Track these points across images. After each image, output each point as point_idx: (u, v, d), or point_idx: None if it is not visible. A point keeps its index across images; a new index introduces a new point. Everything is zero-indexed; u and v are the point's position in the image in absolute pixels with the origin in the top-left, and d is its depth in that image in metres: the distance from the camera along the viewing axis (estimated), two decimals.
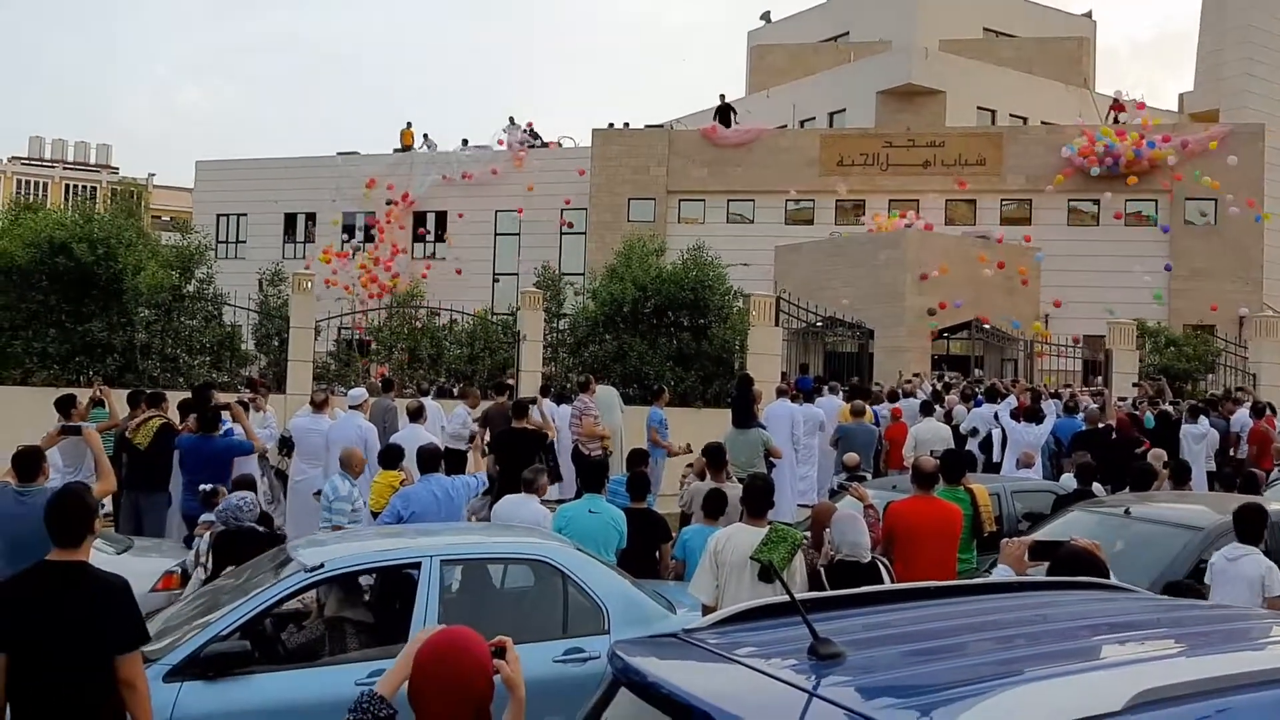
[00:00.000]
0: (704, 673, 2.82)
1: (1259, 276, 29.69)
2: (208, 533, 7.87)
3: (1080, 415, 14.58)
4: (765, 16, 45.37)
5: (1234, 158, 29.49)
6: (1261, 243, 29.92)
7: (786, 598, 3.01)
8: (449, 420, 13.75)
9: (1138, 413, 15.26)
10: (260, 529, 7.85)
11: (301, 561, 5.90)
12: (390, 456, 9.67)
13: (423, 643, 2.68)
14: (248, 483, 9.02)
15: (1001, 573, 5.21)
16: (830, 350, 24.89)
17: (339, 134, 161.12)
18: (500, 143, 36.79)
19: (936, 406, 15.65)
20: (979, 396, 16.52)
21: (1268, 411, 15.79)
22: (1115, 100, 34.53)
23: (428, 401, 13.67)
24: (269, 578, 5.99)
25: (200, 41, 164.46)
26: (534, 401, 13.28)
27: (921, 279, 25.67)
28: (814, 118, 36.26)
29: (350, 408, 11.46)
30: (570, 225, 34.60)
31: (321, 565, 5.84)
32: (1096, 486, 9.87)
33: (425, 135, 38.61)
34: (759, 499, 6.41)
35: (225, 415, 10.69)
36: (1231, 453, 15.41)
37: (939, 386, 19.06)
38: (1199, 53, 40.12)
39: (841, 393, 16.93)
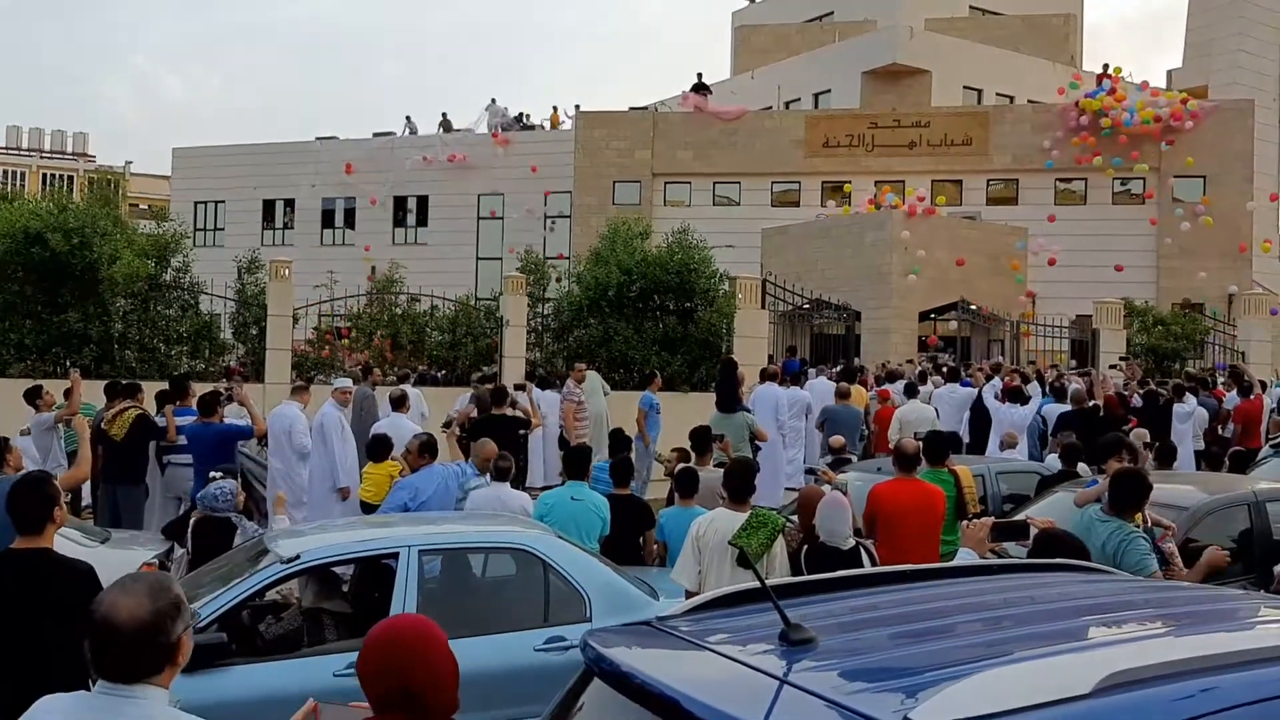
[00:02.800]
0: (676, 661, 2.80)
1: (1248, 254, 29.72)
2: (195, 518, 7.87)
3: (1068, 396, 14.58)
4: None
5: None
6: (1250, 220, 29.93)
7: (771, 582, 2.98)
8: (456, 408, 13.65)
9: (1126, 393, 15.25)
10: (236, 518, 7.79)
11: (278, 553, 5.83)
12: (379, 449, 9.57)
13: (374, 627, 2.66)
14: (230, 473, 8.94)
15: (964, 556, 5.16)
16: (818, 332, 24.87)
17: (319, 120, 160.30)
18: (496, 135, 36.47)
19: (920, 388, 15.62)
20: (966, 379, 16.51)
21: (1255, 390, 15.81)
22: (1104, 73, 34.43)
23: (409, 389, 13.58)
24: (246, 569, 5.92)
25: (179, 29, 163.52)
26: (522, 388, 13.20)
27: (915, 260, 25.63)
28: (799, 99, 36.15)
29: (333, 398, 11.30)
30: (551, 226, 34.39)
31: (298, 556, 5.78)
32: (1082, 467, 9.82)
33: (407, 117, 38.42)
34: (740, 483, 6.34)
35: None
36: (1220, 431, 15.42)
37: (928, 367, 19.02)
38: (1188, 29, 40.13)
39: (827, 374, 16.91)
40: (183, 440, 10.54)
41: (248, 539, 7.20)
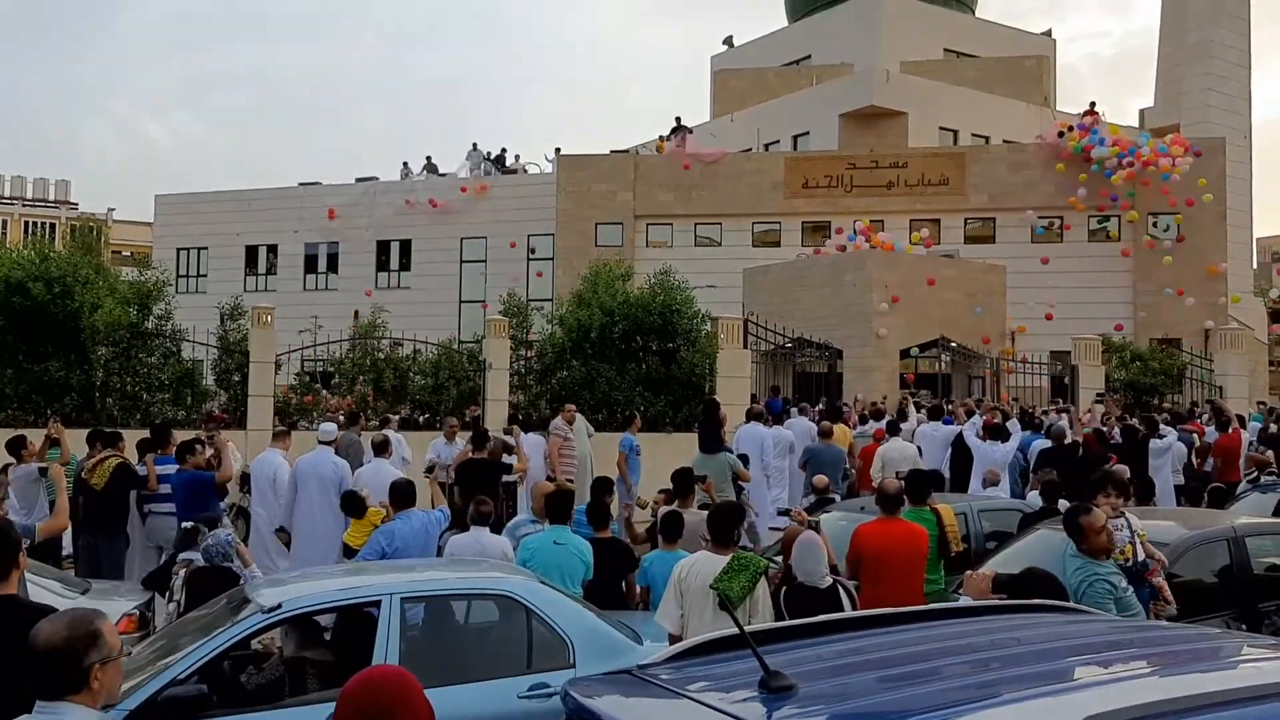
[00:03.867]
0: (656, 710, 2.80)
1: (1223, 289, 30.00)
2: (184, 570, 7.76)
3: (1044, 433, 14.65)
4: (728, 41, 45.73)
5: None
6: (1225, 255, 30.25)
7: (754, 628, 2.99)
8: (429, 451, 13.61)
9: (1105, 429, 15.33)
10: (237, 567, 7.74)
11: (259, 602, 5.78)
12: (352, 507, 9.50)
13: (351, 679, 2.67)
14: (213, 521, 8.89)
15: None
16: (800, 371, 24.92)
17: (303, 166, 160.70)
18: (483, 170, 36.73)
19: (903, 426, 15.66)
20: (948, 416, 16.56)
21: (1233, 425, 15.92)
22: (1089, 111, 34.85)
23: (390, 433, 13.54)
24: (226, 619, 5.87)
25: (162, 76, 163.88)
26: (508, 433, 13.17)
27: (893, 301, 25.74)
28: (778, 141, 36.48)
29: (321, 443, 11.23)
30: (533, 250, 34.61)
31: (279, 606, 5.74)
32: (1063, 503, 9.85)
33: (405, 163, 38.69)
34: (723, 526, 6.35)
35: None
36: (1199, 466, 15.49)
37: (913, 407, 19.04)
38: (1159, 68, 40.85)
39: (809, 415, 16.95)
40: (166, 489, 10.48)
41: None
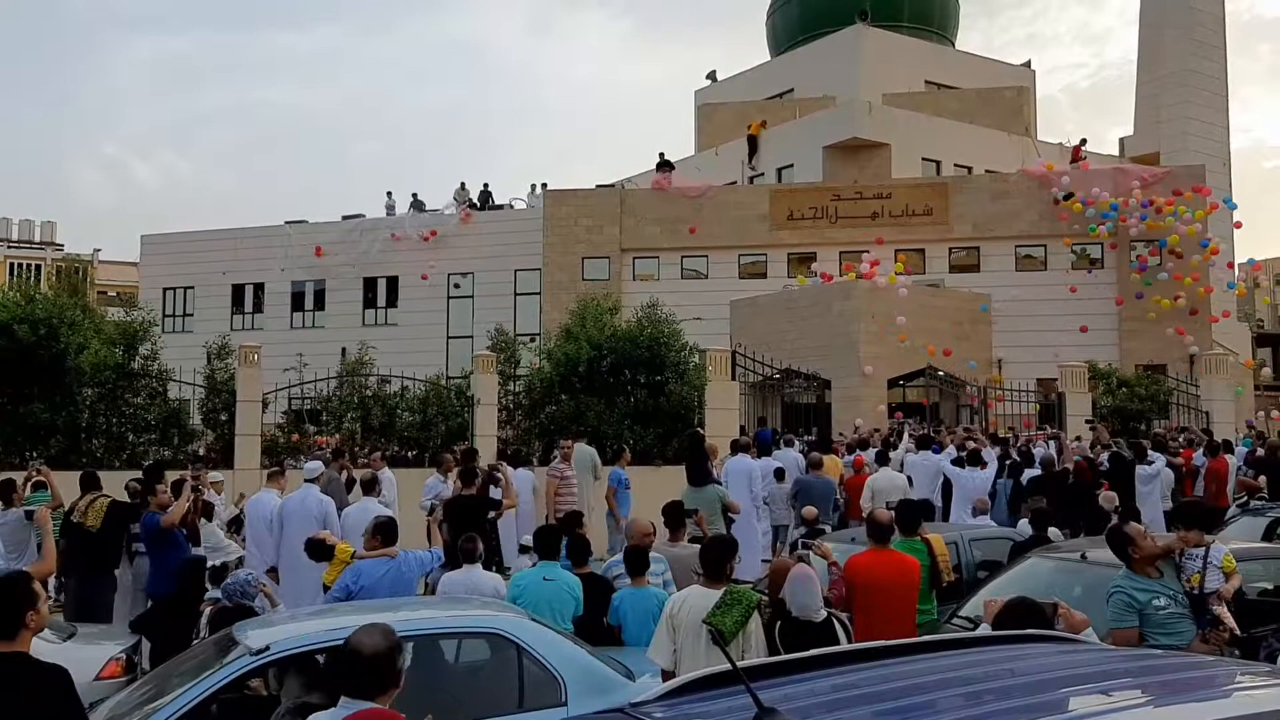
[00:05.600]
0: None
1: (1207, 315, 30.19)
2: (209, 609, 7.73)
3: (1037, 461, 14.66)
4: (711, 76, 46.11)
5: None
6: (1208, 281, 30.47)
7: (748, 663, 2.96)
8: (425, 490, 13.53)
9: (1093, 456, 15.36)
10: (259, 605, 7.71)
11: (247, 644, 5.71)
12: (316, 552, 9.40)
13: None
14: (199, 562, 8.82)
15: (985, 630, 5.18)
16: (788, 402, 24.95)
17: (291, 205, 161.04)
18: (465, 214, 36.82)
19: (892, 454, 15.67)
20: (936, 445, 16.57)
21: (1221, 450, 15.98)
22: (1077, 147, 35.19)
23: (386, 473, 13.48)
24: (214, 661, 5.80)
25: (148, 116, 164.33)
26: (495, 469, 13.09)
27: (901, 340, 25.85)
28: (763, 173, 36.71)
29: (306, 481, 11.22)
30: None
31: (268, 648, 5.66)
32: (1053, 531, 9.87)
33: (389, 193, 38.78)
34: (715, 560, 6.31)
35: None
36: (1189, 491, 15.50)
37: (901, 435, 19.04)
38: (1137, 97, 41.34)
39: (799, 444, 16.94)
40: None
41: None
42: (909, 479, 14.58)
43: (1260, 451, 16.94)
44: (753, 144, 36.93)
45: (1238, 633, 6.51)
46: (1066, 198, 30.56)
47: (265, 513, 11.14)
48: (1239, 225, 32.98)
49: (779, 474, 14.36)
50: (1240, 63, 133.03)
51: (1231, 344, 29.78)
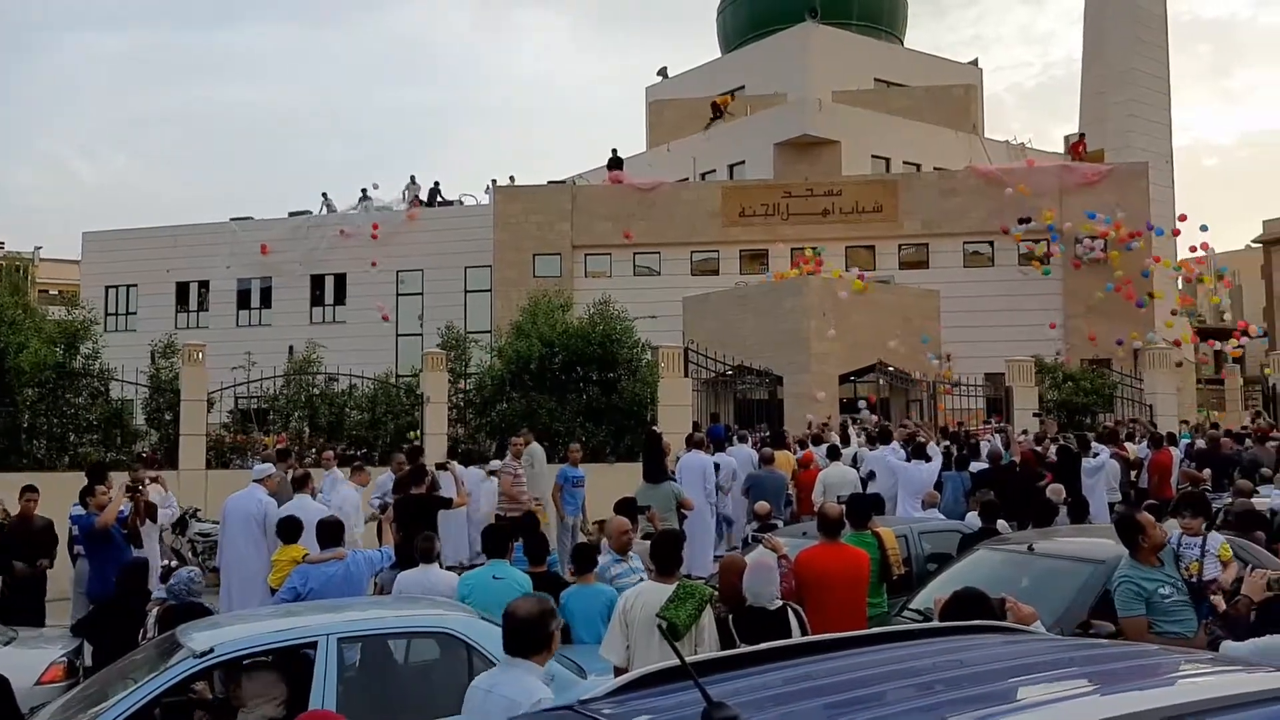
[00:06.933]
0: None
1: (1150, 310, 30.72)
2: (156, 609, 7.60)
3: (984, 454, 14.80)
4: (662, 72, 46.09)
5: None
6: (1144, 262, 30.98)
7: (700, 657, 2.94)
8: (375, 489, 13.36)
9: (1040, 449, 15.55)
10: (206, 603, 7.61)
11: (191, 647, 5.61)
12: (288, 530, 9.34)
13: None
14: (140, 565, 8.66)
15: None
16: (741, 398, 24.99)
17: (238, 202, 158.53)
18: (414, 205, 36.54)
19: (843, 450, 15.74)
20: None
21: (1165, 443, 16.25)
22: (1078, 142, 35.52)
23: (338, 472, 13.30)
24: (157, 664, 5.70)
25: (92, 114, 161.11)
26: (444, 467, 12.96)
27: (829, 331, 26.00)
28: (714, 170, 36.80)
29: (254, 481, 11.04)
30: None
31: (211, 650, 5.57)
32: (1001, 523, 9.97)
33: (324, 194, 38.23)
34: (666, 555, 6.30)
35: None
36: (1134, 479, 15.75)
37: (852, 431, 19.15)
38: (1082, 96, 41.98)
39: (751, 440, 16.97)
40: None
41: None
42: (871, 473, 14.65)
43: (1201, 443, 17.27)
44: (716, 111, 36.89)
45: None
46: (1022, 221, 31.03)
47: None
48: (1178, 233, 33.61)
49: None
50: (1181, 62, 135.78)
51: (1174, 338, 30.27)
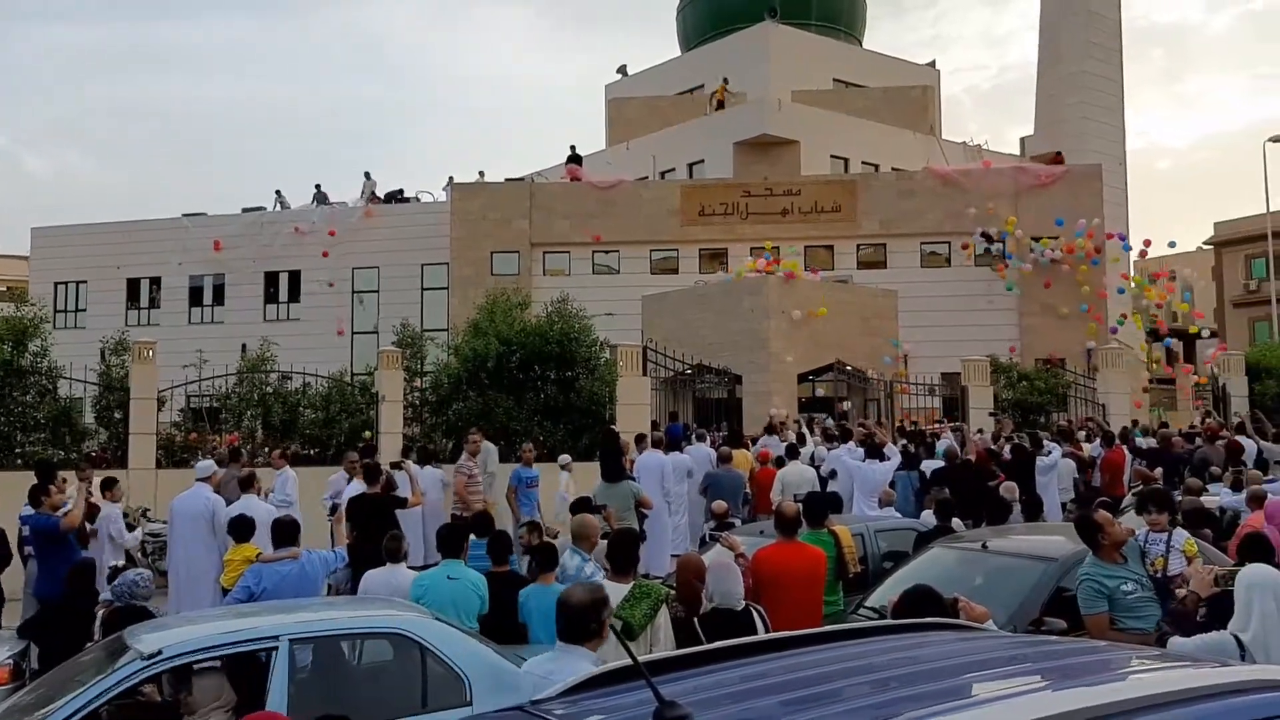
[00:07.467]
0: None
1: (1103, 310, 31.13)
2: (102, 610, 7.47)
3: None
4: (622, 70, 46.05)
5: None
6: (1103, 277, 31.42)
7: (654, 656, 2.93)
8: (328, 488, 13.23)
9: (995, 447, 15.69)
10: (154, 607, 7.48)
11: (138, 648, 5.50)
12: (240, 529, 9.23)
13: None
14: (88, 566, 8.51)
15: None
16: (700, 397, 25.03)
17: (191, 199, 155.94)
18: (372, 201, 36.25)
19: (801, 449, 15.79)
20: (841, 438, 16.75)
21: (1116, 441, 16.47)
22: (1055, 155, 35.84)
23: (289, 471, 13.18)
24: (104, 666, 5.58)
25: (40, 110, 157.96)
26: (399, 465, 12.87)
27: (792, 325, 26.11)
28: (674, 169, 36.83)
29: (198, 480, 10.93)
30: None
31: (159, 652, 5.46)
32: (956, 522, 10.04)
33: (278, 192, 37.82)
34: (622, 554, 6.29)
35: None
36: (1088, 481, 15.94)
37: (804, 430, 19.23)
38: (1038, 98, 42.45)
39: (709, 438, 16.99)
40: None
41: None
42: (833, 472, 14.70)
43: (1143, 443, 17.49)
44: (719, 105, 37.29)
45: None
46: (986, 238, 31.39)
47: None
48: (1144, 254, 34.19)
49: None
50: (1135, 67, 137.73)
51: (1127, 339, 30.72)
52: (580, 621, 4.50)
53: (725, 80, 37.73)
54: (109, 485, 11.68)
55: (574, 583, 7.57)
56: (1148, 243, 33.13)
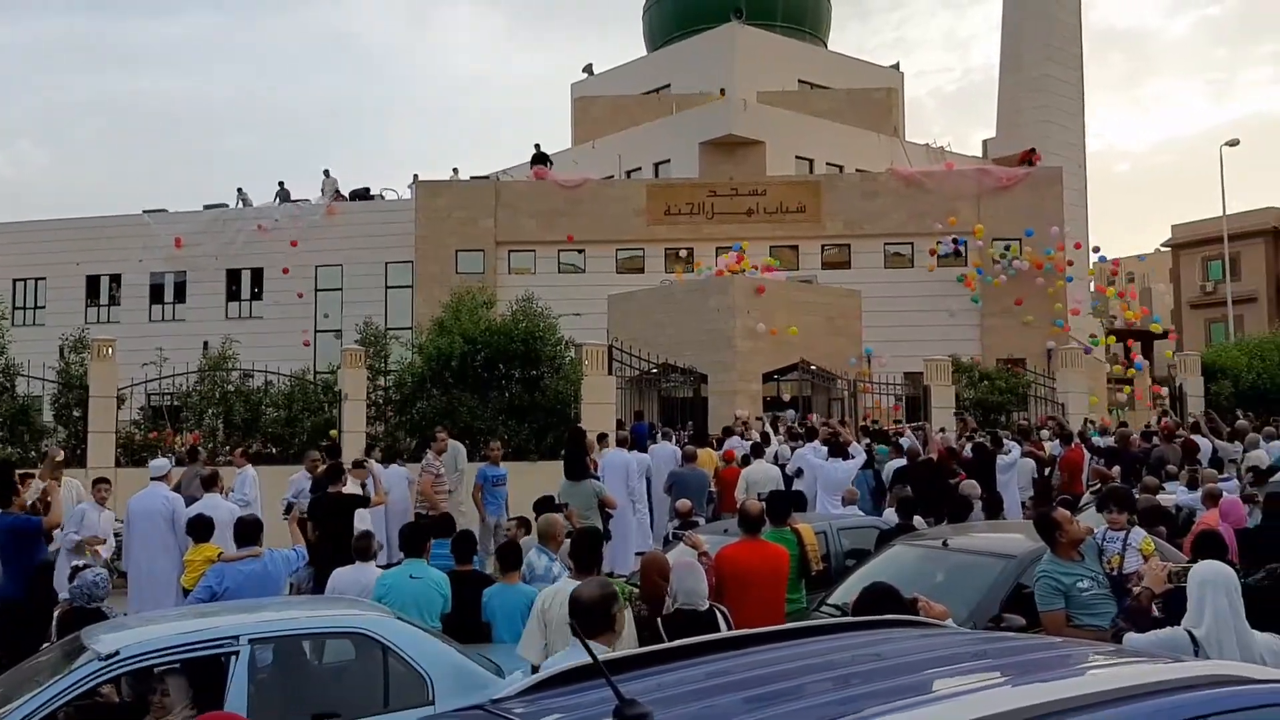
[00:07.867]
0: None
1: (1063, 311, 31.47)
2: (58, 610, 7.38)
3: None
4: (588, 69, 45.97)
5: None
6: (1063, 278, 31.76)
7: (615, 655, 2.93)
8: (290, 487, 13.12)
9: (957, 446, 15.82)
10: (107, 608, 7.37)
11: (95, 649, 5.42)
12: (199, 529, 9.15)
13: None
14: (48, 565, 8.42)
15: None
16: (665, 396, 25.05)
17: (154, 196, 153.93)
18: (335, 199, 35.97)
19: (766, 448, 15.83)
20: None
21: (1075, 440, 16.65)
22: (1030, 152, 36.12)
23: (249, 471, 13.06)
24: (61, 667, 5.50)
25: (3, 106, 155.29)
26: (362, 465, 12.78)
27: (771, 333, 26.19)
28: (639, 168, 36.82)
29: (153, 479, 10.79)
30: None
31: (117, 653, 5.39)
32: (917, 519, 10.11)
33: (239, 189, 37.49)
34: (585, 553, 6.29)
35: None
36: (1048, 476, 16.09)
37: (768, 429, 19.28)
38: (1000, 101, 42.82)
39: (675, 437, 17.01)
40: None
41: None
42: (799, 470, 14.73)
43: (1110, 440, 17.67)
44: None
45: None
46: (954, 255, 31.64)
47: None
48: (1115, 273, 34.65)
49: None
50: (1094, 71, 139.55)
51: (1087, 339, 31.03)
52: (592, 616, 4.58)
53: (723, 91, 37.69)
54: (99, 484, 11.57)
55: (541, 582, 7.59)
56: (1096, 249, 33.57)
